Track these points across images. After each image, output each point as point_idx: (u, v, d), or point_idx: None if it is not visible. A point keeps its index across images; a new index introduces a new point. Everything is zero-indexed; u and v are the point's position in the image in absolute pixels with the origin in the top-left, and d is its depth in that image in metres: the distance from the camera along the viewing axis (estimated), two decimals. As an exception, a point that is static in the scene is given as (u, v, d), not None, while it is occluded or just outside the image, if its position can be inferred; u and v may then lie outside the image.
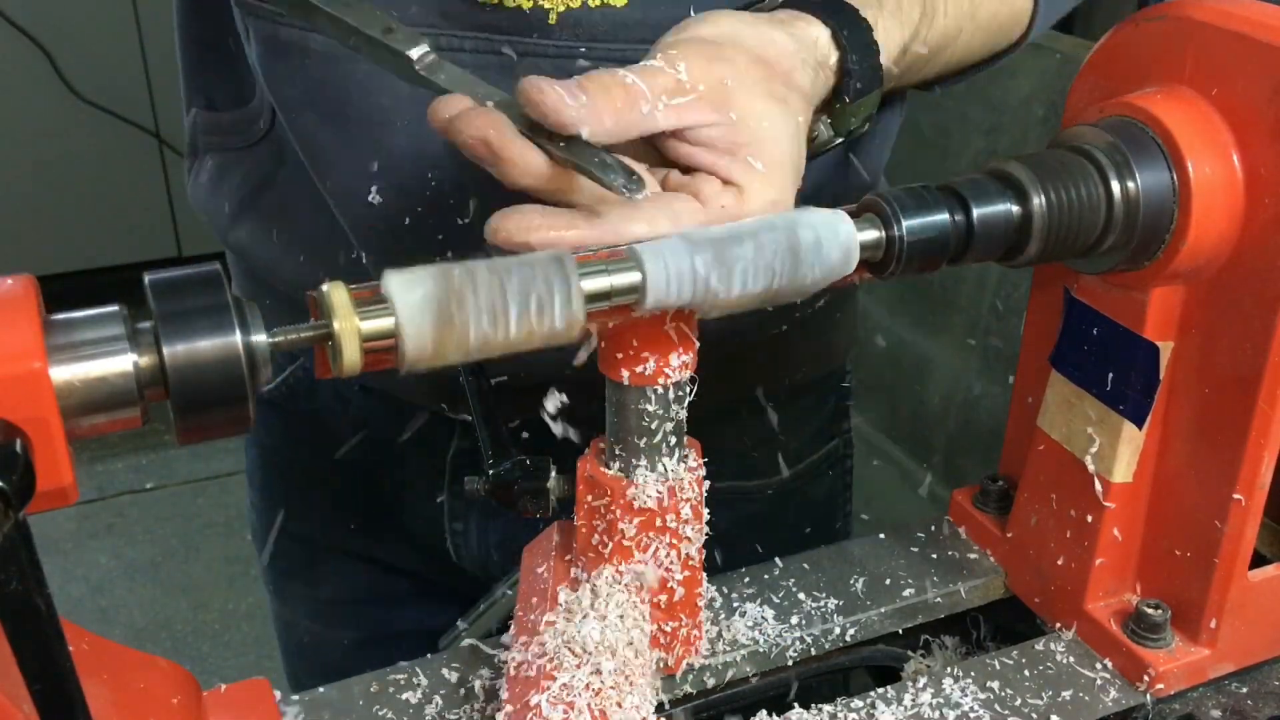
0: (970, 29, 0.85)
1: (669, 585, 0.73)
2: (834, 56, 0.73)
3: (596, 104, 0.61)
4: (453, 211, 0.85)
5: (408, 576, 1.15)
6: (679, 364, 0.67)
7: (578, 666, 0.67)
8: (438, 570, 1.11)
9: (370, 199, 0.86)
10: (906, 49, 0.79)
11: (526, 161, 0.62)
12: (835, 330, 1.11)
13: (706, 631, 0.78)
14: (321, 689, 0.77)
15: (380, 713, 0.75)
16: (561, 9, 0.79)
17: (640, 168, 0.66)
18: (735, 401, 1.03)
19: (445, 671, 0.78)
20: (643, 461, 0.69)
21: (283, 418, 1.10)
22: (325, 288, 0.55)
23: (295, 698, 0.76)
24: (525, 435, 0.97)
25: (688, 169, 0.68)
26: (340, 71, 0.83)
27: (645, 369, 0.67)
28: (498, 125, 0.62)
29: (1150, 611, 0.76)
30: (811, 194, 0.70)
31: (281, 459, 1.14)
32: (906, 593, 0.85)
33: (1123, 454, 0.75)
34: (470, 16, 0.80)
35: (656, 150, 0.68)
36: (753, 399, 1.04)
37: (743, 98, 0.67)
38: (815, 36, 0.72)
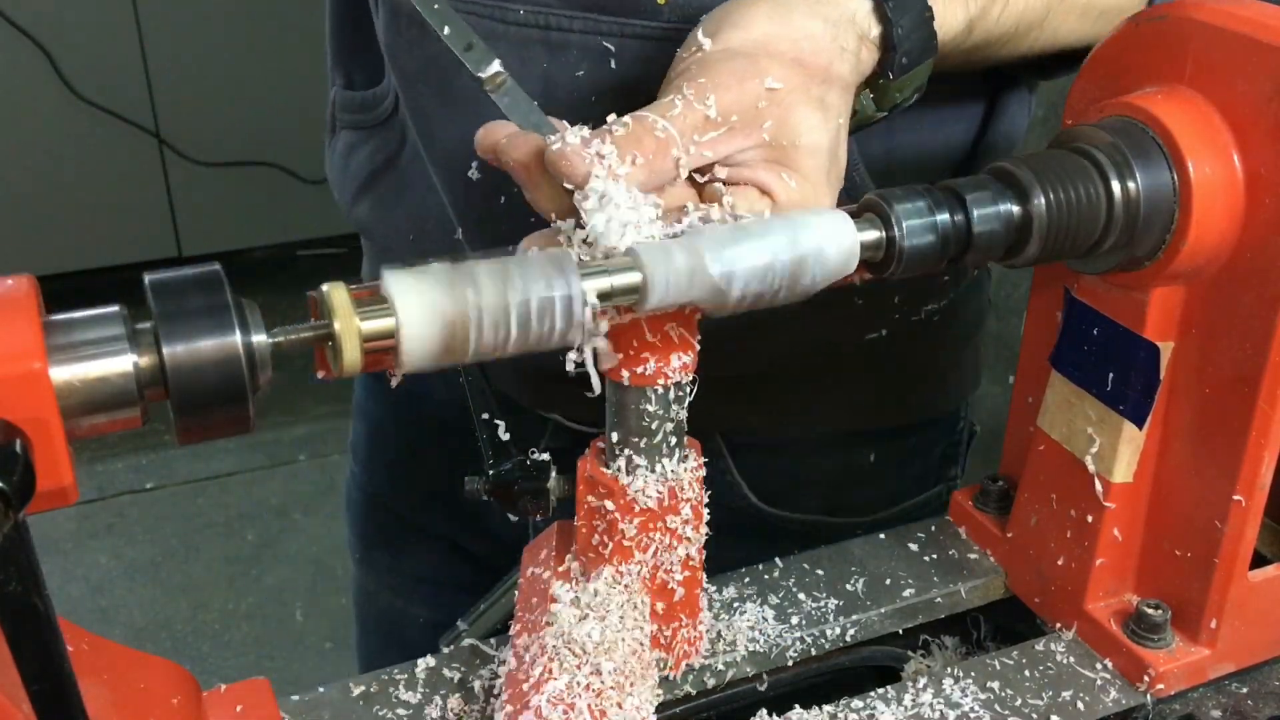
0: (1060, 11, 0.81)
1: (669, 586, 0.73)
2: (875, 30, 0.70)
3: (624, 167, 0.62)
4: None
5: (485, 568, 1.14)
6: (679, 364, 0.67)
7: (577, 667, 0.67)
8: (510, 561, 1.12)
9: (470, 174, 0.87)
10: (974, 26, 0.76)
11: (557, 193, 0.63)
12: (950, 372, 1.08)
13: (706, 632, 0.78)
14: (320, 689, 0.77)
15: (380, 713, 0.75)
16: None
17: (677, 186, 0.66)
18: (829, 433, 1.02)
19: (445, 671, 0.78)
20: (643, 461, 0.69)
21: (391, 394, 1.11)
22: (325, 288, 0.55)
23: (295, 698, 0.76)
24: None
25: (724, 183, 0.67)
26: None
27: (645, 369, 0.67)
28: (539, 155, 0.64)
29: (1150, 611, 0.76)
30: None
31: (385, 433, 1.18)
32: (906, 593, 0.85)
33: (1123, 454, 0.75)
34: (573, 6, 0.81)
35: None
36: (849, 432, 1.03)
37: (778, 113, 0.66)
38: (853, 11, 0.69)
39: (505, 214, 0.87)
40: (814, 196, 0.67)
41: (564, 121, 0.69)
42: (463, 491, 1.05)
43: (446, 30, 0.72)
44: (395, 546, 1.21)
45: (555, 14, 0.81)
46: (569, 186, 0.62)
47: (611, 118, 0.65)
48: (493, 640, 0.80)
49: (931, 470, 1.11)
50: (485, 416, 0.98)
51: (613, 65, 0.81)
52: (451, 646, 0.81)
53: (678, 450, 0.70)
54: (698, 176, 0.68)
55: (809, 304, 0.75)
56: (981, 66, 0.84)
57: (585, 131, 0.64)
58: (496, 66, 0.71)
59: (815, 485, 1.05)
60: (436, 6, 0.73)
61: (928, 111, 0.78)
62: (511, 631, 0.75)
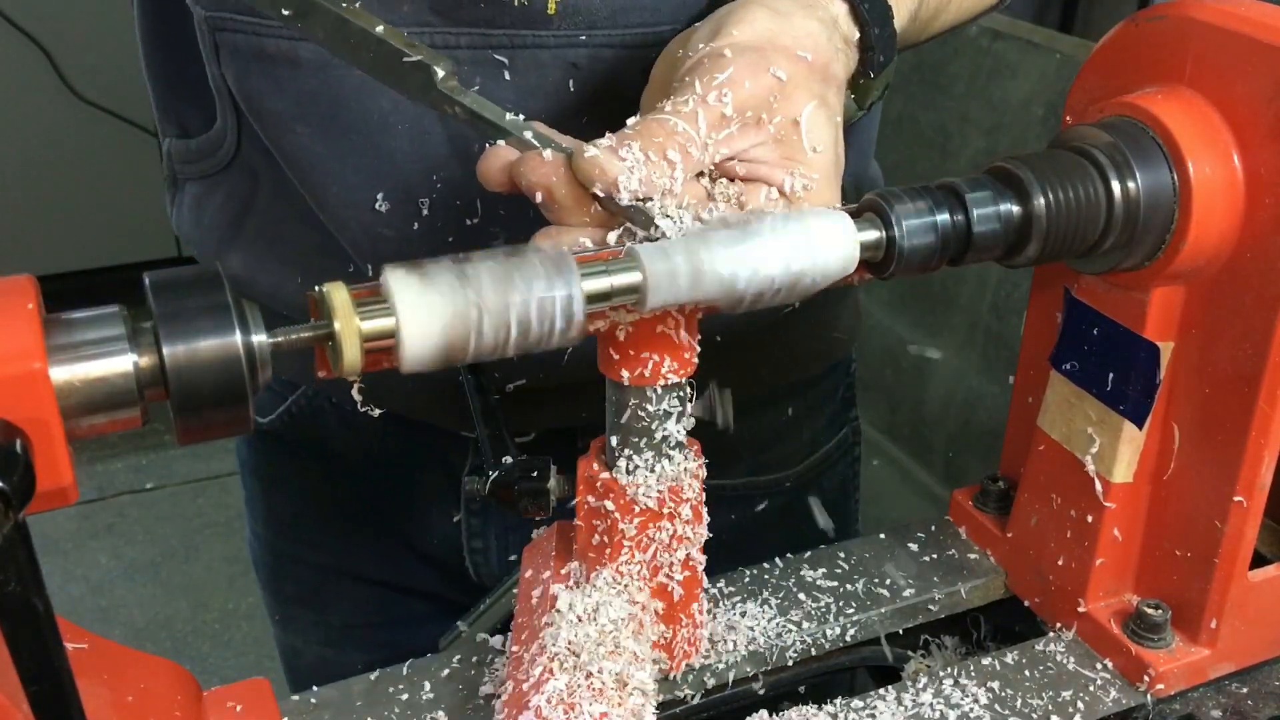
0: None
1: (669, 586, 0.73)
2: (855, 33, 0.72)
3: (651, 167, 0.62)
4: (461, 212, 0.84)
5: (422, 597, 1.14)
6: (679, 364, 0.67)
7: (577, 667, 0.67)
8: (455, 589, 1.10)
9: (376, 206, 0.85)
10: (916, 15, 0.80)
11: (581, 210, 0.64)
12: (841, 320, 1.11)
13: (706, 632, 0.78)
14: (320, 689, 0.77)
15: (380, 713, 0.75)
16: (557, 3, 0.78)
17: (687, 184, 0.66)
18: (749, 397, 1.03)
19: (445, 672, 0.78)
20: (643, 462, 0.69)
21: (285, 447, 1.09)
22: (326, 288, 0.55)
23: (295, 698, 0.76)
24: (527, 439, 0.97)
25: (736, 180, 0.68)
26: (333, 78, 0.82)
27: (645, 369, 0.67)
28: (560, 174, 0.63)
29: (1150, 611, 0.76)
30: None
31: (286, 488, 1.13)
32: (906, 593, 0.85)
33: (1123, 454, 0.75)
34: (465, 12, 0.79)
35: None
36: (766, 394, 1.04)
37: (786, 108, 0.67)
38: (836, 15, 0.71)
39: (419, 238, 0.85)
40: (823, 193, 0.68)
41: (539, 123, 0.68)
42: (388, 528, 1.05)
43: (379, 28, 0.68)
44: (318, 602, 1.16)
45: (442, 32, 0.79)
46: (601, 194, 0.62)
47: (631, 120, 0.65)
48: (493, 639, 0.80)
49: (838, 414, 1.15)
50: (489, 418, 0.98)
51: (507, 77, 0.81)
52: (451, 647, 0.81)
53: (678, 450, 0.70)
54: (709, 174, 0.68)
55: None
56: (915, 44, 0.89)
57: (608, 140, 0.63)
58: (450, 66, 0.68)
59: (740, 449, 1.05)
60: (344, 3, 0.69)
61: None
62: (511, 631, 0.75)
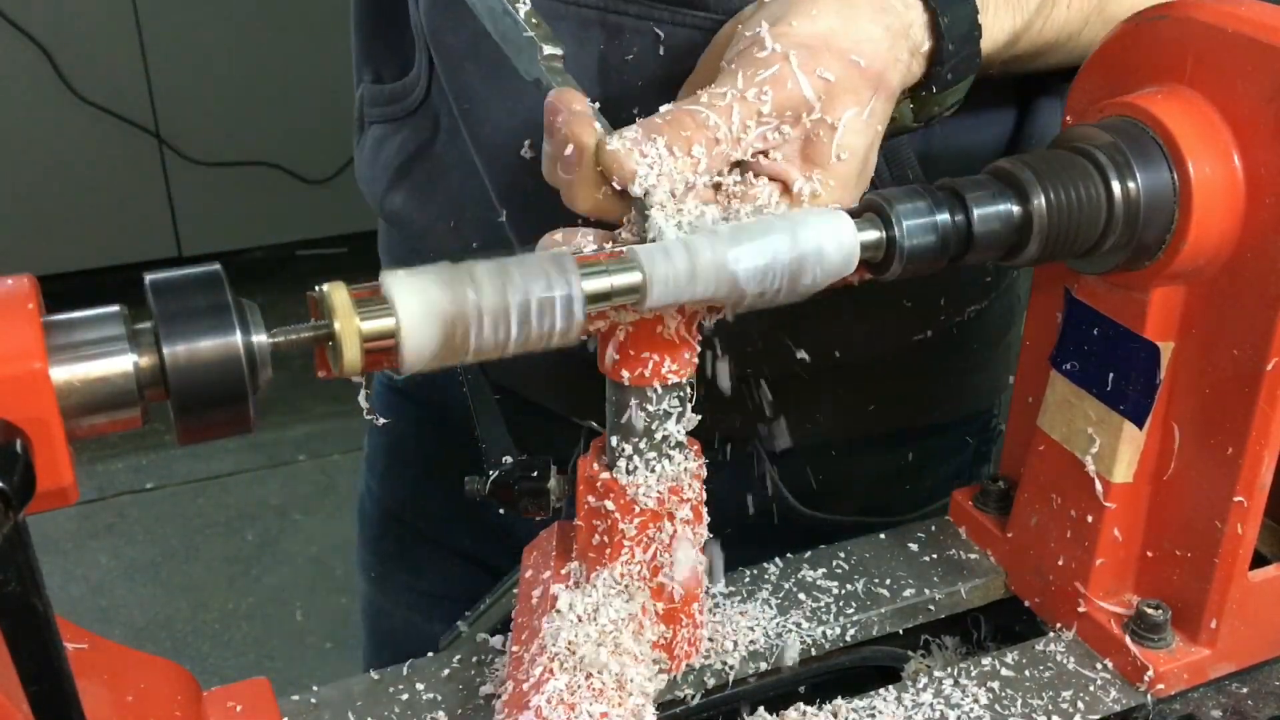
0: (1097, 24, 0.81)
1: (669, 587, 0.73)
2: (928, 44, 0.70)
3: (672, 161, 0.62)
4: None
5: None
6: (679, 364, 0.67)
7: (577, 667, 0.67)
8: None
9: (523, 152, 0.86)
10: (1018, 38, 0.76)
11: (595, 188, 0.64)
12: (985, 369, 1.08)
13: (707, 632, 0.78)
14: (319, 689, 0.77)
15: (380, 713, 0.75)
16: None
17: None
18: (871, 435, 1.02)
19: (445, 672, 0.78)
20: (643, 462, 0.69)
21: (414, 406, 1.11)
22: (325, 288, 0.55)
23: (295, 697, 0.76)
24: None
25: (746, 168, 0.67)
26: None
27: (645, 369, 0.67)
28: (587, 153, 0.63)
29: (1150, 611, 0.76)
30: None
31: (408, 446, 1.16)
32: (906, 593, 0.85)
33: (1123, 454, 0.75)
34: None
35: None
36: (891, 432, 1.03)
37: (827, 109, 0.66)
38: (910, 23, 0.69)
39: (555, 193, 0.86)
40: (835, 200, 0.68)
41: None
42: (484, 504, 1.05)
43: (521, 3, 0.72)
44: (415, 564, 1.18)
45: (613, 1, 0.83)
46: (617, 186, 0.63)
47: (665, 107, 0.65)
48: (493, 639, 0.80)
49: (965, 467, 1.12)
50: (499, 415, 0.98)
51: (661, 52, 0.83)
52: (451, 646, 0.81)
53: (678, 450, 0.70)
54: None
55: (856, 305, 0.76)
56: (1016, 74, 0.85)
57: (633, 132, 0.63)
58: (558, 49, 0.70)
59: (855, 486, 1.05)
60: None
61: (962, 116, 0.78)
62: (511, 631, 0.75)
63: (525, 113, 0.86)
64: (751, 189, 0.66)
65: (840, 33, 0.67)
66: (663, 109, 0.65)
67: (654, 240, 0.62)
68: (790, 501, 1.04)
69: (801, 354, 0.82)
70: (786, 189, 0.67)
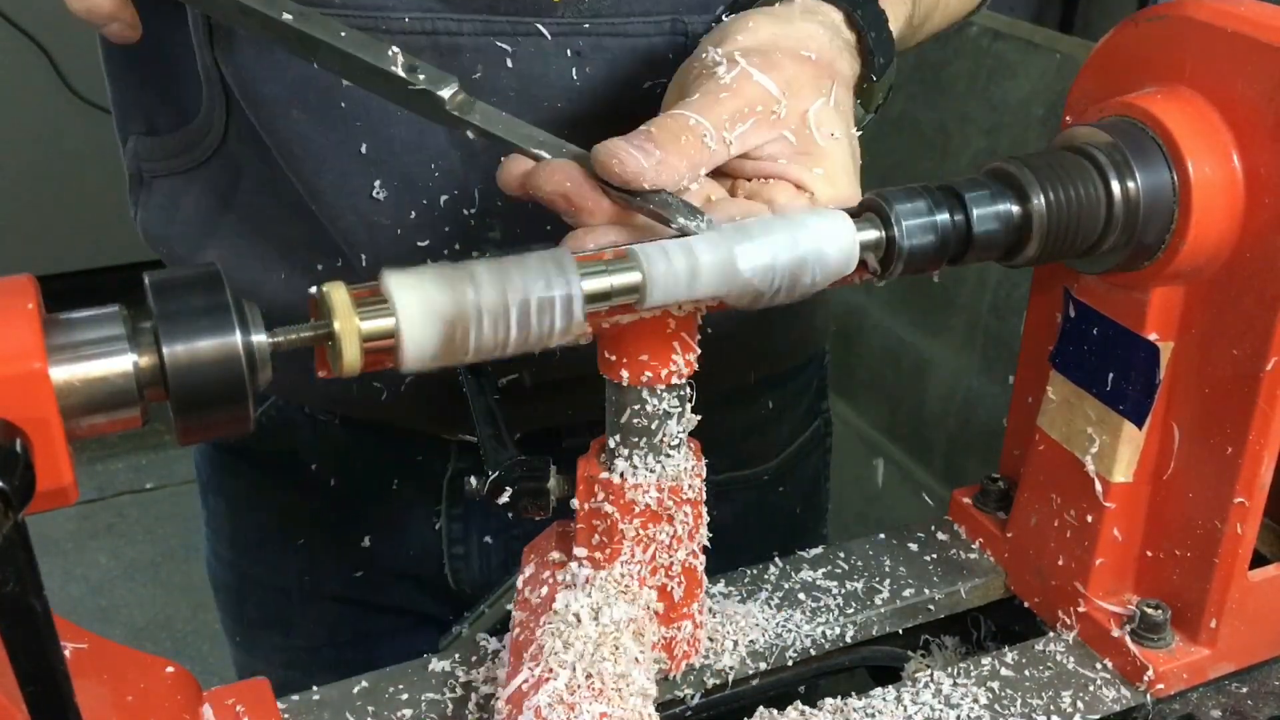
0: None
1: (669, 586, 0.73)
2: (853, 38, 0.74)
3: (670, 158, 0.63)
4: (459, 201, 0.84)
5: (393, 613, 1.12)
6: (679, 364, 0.67)
7: (577, 667, 0.67)
8: (430, 601, 1.09)
9: (374, 194, 0.84)
10: (910, 20, 0.82)
11: (601, 209, 0.65)
12: (818, 312, 1.11)
13: (706, 632, 0.78)
14: (320, 688, 0.77)
15: (380, 713, 0.75)
16: None
17: (707, 183, 0.68)
18: (731, 390, 1.03)
19: (444, 672, 0.78)
20: (643, 462, 0.69)
21: (253, 462, 1.07)
22: (325, 287, 0.55)
23: (295, 697, 0.76)
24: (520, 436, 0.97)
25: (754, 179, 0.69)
26: None
27: (645, 369, 0.67)
28: (575, 178, 0.64)
29: (1150, 611, 0.76)
30: None
31: (251, 505, 1.10)
32: (906, 593, 0.85)
33: (1123, 454, 0.75)
34: (466, 10, 0.79)
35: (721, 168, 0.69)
36: (747, 386, 1.04)
37: (796, 104, 0.68)
38: (836, 20, 0.73)
39: (415, 228, 0.85)
40: (843, 188, 0.69)
41: (545, 133, 0.69)
42: (359, 543, 1.02)
43: (392, 51, 0.70)
44: (285, 623, 1.13)
45: (444, 18, 0.80)
46: (621, 190, 0.63)
47: (647, 122, 0.65)
48: (492, 640, 0.80)
49: (813, 405, 1.15)
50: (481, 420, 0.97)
51: (509, 64, 0.81)
52: (450, 647, 0.81)
53: (678, 450, 0.70)
54: (728, 175, 0.69)
55: None
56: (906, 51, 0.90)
57: (621, 139, 0.64)
58: (454, 85, 0.69)
59: (721, 443, 1.04)
60: (344, 34, 0.71)
61: None
62: (510, 631, 0.75)
63: (370, 153, 0.83)
64: (764, 191, 0.67)
65: (783, 35, 0.70)
66: (646, 123, 0.65)
67: (683, 222, 0.63)
68: None
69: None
70: (798, 187, 0.68)
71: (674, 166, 0.63)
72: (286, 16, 0.70)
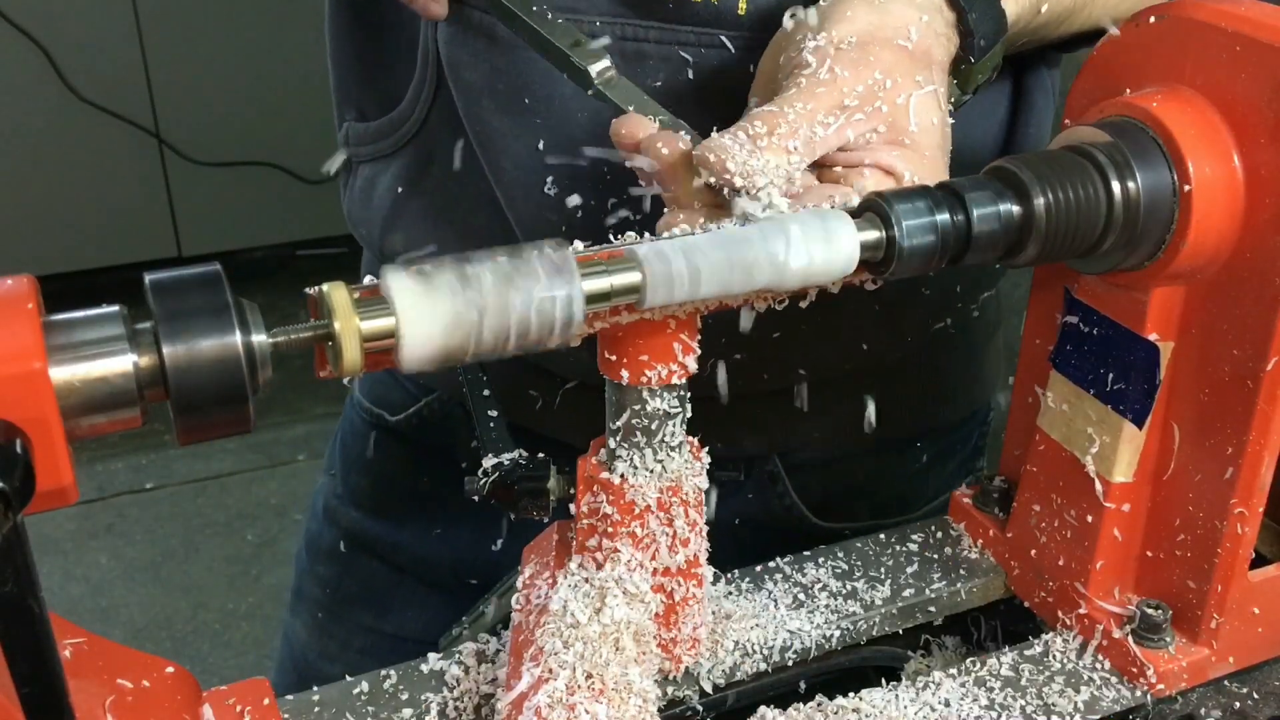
0: None
1: (669, 586, 0.73)
2: (952, 16, 0.74)
3: (768, 154, 0.65)
4: (625, 206, 0.86)
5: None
6: (679, 364, 0.67)
7: (577, 668, 0.67)
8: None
9: (546, 189, 0.87)
10: (1038, 4, 0.80)
11: (689, 191, 0.67)
12: (987, 363, 1.11)
13: (707, 632, 0.78)
14: (320, 688, 0.77)
15: (380, 713, 0.75)
16: (748, 3, 0.80)
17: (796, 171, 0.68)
18: (889, 440, 1.03)
19: (445, 672, 0.78)
20: (643, 462, 0.69)
21: (410, 449, 1.09)
22: (325, 287, 0.55)
23: (291, 698, 0.76)
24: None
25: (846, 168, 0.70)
26: (521, 58, 0.84)
27: (645, 369, 0.67)
28: (674, 151, 0.67)
29: (1150, 611, 0.76)
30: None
31: (403, 480, 1.12)
32: (906, 593, 0.85)
33: (1123, 454, 0.75)
34: (656, 7, 0.81)
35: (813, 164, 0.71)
36: (906, 437, 1.04)
37: (893, 94, 0.69)
38: (937, 3, 0.73)
39: (581, 228, 0.86)
40: (932, 167, 0.70)
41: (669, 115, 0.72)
42: (490, 540, 1.02)
43: (558, 20, 0.75)
44: (382, 604, 1.13)
45: (631, 24, 0.82)
46: (712, 182, 0.65)
47: (755, 102, 0.68)
48: (492, 640, 0.80)
49: (967, 462, 1.14)
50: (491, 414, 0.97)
51: (690, 75, 0.83)
52: (450, 647, 0.81)
53: (678, 450, 0.70)
54: (820, 163, 0.70)
55: (863, 311, 0.79)
56: (1043, 44, 0.88)
57: (724, 138, 0.65)
58: (605, 62, 0.73)
59: (868, 493, 1.06)
60: (535, 9, 0.76)
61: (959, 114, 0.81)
62: (511, 631, 0.75)
63: (549, 148, 0.86)
64: (848, 176, 0.69)
65: (880, 25, 0.70)
66: (742, 122, 0.67)
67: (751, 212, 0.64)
68: (804, 513, 1.04)
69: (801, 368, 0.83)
70: (888, 173, 0.69)
71: (771, 165, 0.64)
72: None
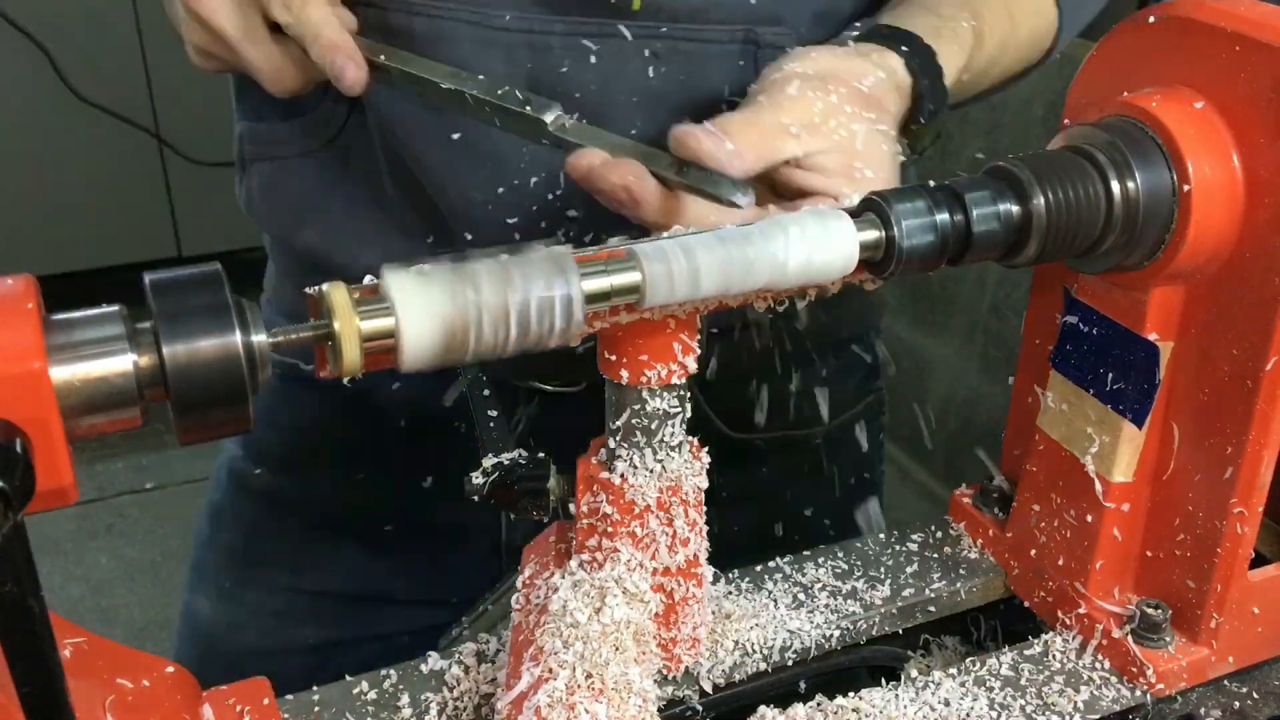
0: (1012, 48, 0.95)
1: (669, 586, 0.73)
2: (908, 82, 0.82)
3: (740, 146, 0.72)
4: (545, 185, 0.92)
5: (406, 577, 1.13)
6: (679, 364, 0.67)
7: (577, 668, 0.67)
8: (474, 561, 1.11)
9: (472, 175, 0.92)
10: (962, 72, 0.88)
11: (657, 202, 0.74)
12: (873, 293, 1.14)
13: (706, 632, 0.78)
14: (317, 689, 0.77)
15: (379, 713, 0.75)
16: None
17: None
18: (788, 353, 1.07)
19: (445, 672, 0.78)
20: (643, 461, 0.69)
21: (322, 395, 1.10)
22: (325, 287, 0.55)
23: (289, 697, 0.76)
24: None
25: (797, 195, 0.76)
26: (442, 57, 0.88)
27: (645, 369, 0.67)
28: (637, 173, 0.73)
29: (1150, 611, 0.76)
30: None
31: (316, 433, 1.12)
32: (906, 593, 0.85)
33: (1123, 454, 0.75)
34: (563, 2, 0.88)
35: (769, 187, 0.78)
36: (802, 351, 1.08)
37: (848, 122, 0.76)
38: (892, 65, 0.81)
39: (510, 204, 0.92)
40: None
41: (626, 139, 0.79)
42: (416, 485, 1.04)
43: (503, 90, 0.81)
44: (294, 561, 1.13)
45: (538, 19, 0.89)
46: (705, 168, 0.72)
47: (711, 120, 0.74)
48: (492, 640, 0.80)
49: (866, 379, 1.21)
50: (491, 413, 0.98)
51: (592, 60, 0.89)
52: (450, 646, 0.81)
53: (678, 450, 0.70)
54: (778, 183, 0.77)
55: None
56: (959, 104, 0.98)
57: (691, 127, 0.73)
58: (557, 110, 0.80)
59: (777, 405, 1.10)
60: (463, 75, 0.83)
61: None
62: (511, 631, 0.75)
63: (463, 137, 0.91)
64: (805, 202, 0.74)
65: (839, 69, 0.79)
66: (708, 122, 0.74)
67: (729, 196, 0.70)
68: (717, 424, 1.08)
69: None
70: (836, 200, 0.74)
71: (743, 156, 0.72)
72: (443, 83, 0.83)
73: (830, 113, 0.76)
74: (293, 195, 1.03)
